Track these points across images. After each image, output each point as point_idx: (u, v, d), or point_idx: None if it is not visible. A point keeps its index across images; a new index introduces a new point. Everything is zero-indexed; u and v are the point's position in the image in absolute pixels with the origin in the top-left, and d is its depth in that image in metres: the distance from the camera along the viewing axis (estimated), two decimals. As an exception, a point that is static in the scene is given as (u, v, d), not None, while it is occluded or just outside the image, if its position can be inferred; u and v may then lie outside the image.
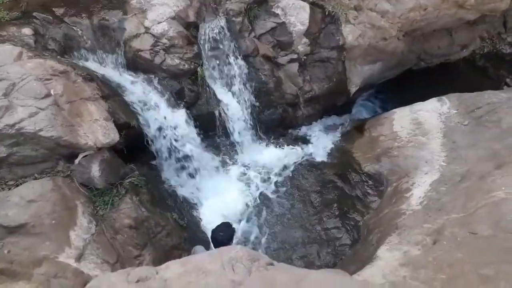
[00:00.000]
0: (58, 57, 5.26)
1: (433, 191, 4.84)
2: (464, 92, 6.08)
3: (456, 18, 7.39)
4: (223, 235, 4.13)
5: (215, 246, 4.13)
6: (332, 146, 6.65)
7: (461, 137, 5.42)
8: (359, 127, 6.73)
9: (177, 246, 4.86)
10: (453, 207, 4.37)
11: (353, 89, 7.12)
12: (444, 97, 6.06)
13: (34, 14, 5.55)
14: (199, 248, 4.47)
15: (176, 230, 4.94)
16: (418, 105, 6.18)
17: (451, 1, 6.95)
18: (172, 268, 2.99)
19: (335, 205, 5.72)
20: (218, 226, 4.27)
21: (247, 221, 5.71)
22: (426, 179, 5.10)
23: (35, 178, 4.38)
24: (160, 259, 4.59)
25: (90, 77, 5.12)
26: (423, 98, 6.24)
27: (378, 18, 6.81)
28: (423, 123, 5.86)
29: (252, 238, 5.49)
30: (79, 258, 4.10)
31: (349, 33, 6.62)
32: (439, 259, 3.72)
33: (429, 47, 8.01)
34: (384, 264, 4.02)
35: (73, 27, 5.61)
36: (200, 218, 5.60)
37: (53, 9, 5.69)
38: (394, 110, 6.47)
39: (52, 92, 4.60)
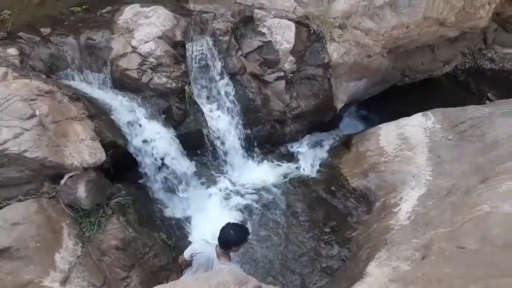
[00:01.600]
0: (44, 77, 5.23)
1: (421, 206, 4.88)
2: (447, 106, 6.20)
3: (438, 35, 7.60)
4: (233, 234, 3.85)
5: (221, 246, 3.89)
6: (320, 161, 6.67)
7: (446, 151, 5.50)
8: (346, 143, 6.79)
9: (165, 266, 4.78)
10: (440, 222, 4.41)
11: (339, 105, 7.22)
12: (428, 112, 6.17)
13: (20, 34, 5.54)
14: (198, 243, 4.20)
15: (164, 251, 4.87)
16: (404, 120, 6.27)
17: (432, 19, 7.16)
18: (159, 293, 2.94)
19: (325, 221, 5.70)
20: (229, 223, 3.99)
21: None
22: (413, 193, 5.14)
23: (20, 200, 4.30)
24: (148, 281, 4.52)
25: (76, 96, 5.10)
26: (408, 113, 6.35)
27: (362, 36, 6.96)
28: (409, 138, 5.94)
29: (239, 259, 5.41)
30: (64, 281, 4.01)
31: (334, 51, 6.74)
32: (428, 275, 3.73)
33: (413, 63, 8.21)
34: (374, 280, 4.01)
35: (59, 47, 5.60)
36: (188, 238, 5.53)
37: (39, 29, 5.70)
38: (380, 125, 6.56)
39: (37, 113, 4.56)
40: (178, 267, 4.50)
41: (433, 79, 8.42)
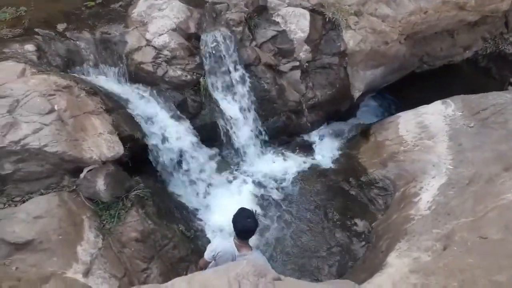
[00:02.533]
0: (61, 72, 5.28)
1: (441, 195, 4.78)
2: (468, 93, 6.05)
3: (457, 20, 7.40)
4: (251, 221, 3.73)
5: (241, 238, 3.76)
6: (338, 152, 6.62)
7: (467, 139, 5.37)
8: (364, 132, 6.70)
9: (184, 258, 4.82)
10: (462, 211, 4.32)
11: (356, 94, 7.12)
12: (448, 100, 6.02)
13: (37, 30, 5.59)
14: (215, 243, 4.07)
15: (183, 242, 4.90)
16: (423, 108, 6.14)
17: (452, 3, 6.97)
18: (178, 285, 2.95)
19: (343, 212, 5.67)
20: (241, 212, 3.86)
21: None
22: (434, 183, 5.05)
23: (41, 194, 4.37)
24: (167, 272, 4.56)
25: (94, 91, 5.13)
26: (428, 101, 6.21)
27: (379, 23, 6.83)
28: (429, 126, 5.82)
29: (260, 250, 5.42)
30: (86, 273, 4.07)
31: (350, 39, 6.63)
32: (450, 265, 3.67)
33: (431, 49, 8.02)
34: (394, 271, 3.96)
35: (76, 42, 5.64)
36: (206, 229, 5.56)
37: (55, 25, 5.74)
38: (399, 114, 6.45)
39: (56, 108, 4.61)
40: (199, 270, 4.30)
41: (453, 65, 8.21)
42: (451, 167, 5.12)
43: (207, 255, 3.91)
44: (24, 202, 4.28)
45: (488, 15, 7.73)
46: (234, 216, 3.85)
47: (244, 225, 3.74)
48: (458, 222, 4.20)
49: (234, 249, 3.84)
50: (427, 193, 4.93)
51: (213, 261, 3.89)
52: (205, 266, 4.00)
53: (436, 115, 5.86)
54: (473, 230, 3.97)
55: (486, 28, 8.35)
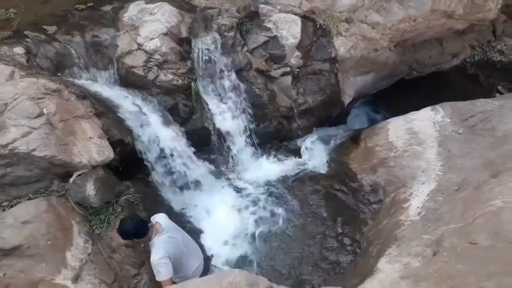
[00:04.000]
0: (51, 75, 5.22)
1: (431, 201, 4.83)
2: (457, 100, 6.13)
3: (446, 28, 7.51)
4: (130, 224, 3.86)
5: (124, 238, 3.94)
6: (328, 157, 6.63)
7: (456, 146, 5.44)
8: (355, 138, 6.74)
9: None
10: (451, 217, 4.37)
11: (346, 100, 7.16)
12: (437, 106, 6.10)
13: (26, 33, 5.51)
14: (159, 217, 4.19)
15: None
16: (413, 115, 6.20)
17: (440, 11, 7.07)
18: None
19: (334, 217, 5.68)
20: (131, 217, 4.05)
21: (244, 238, 5.64)
22: (424, 189, 5.10)
23: (30, 198, 4.32)
24: (157, 278, 4.51)
25: (83, 94, 5.09)
26: (417, 107, 6.28)
27: (369, 30, 6.89)
28: (418, 133, 5.88)
29: (250, 256, 5.42)
30: (76, 279, 4.03)
31: (341, 45, 6.68)
32: (440, 271, 3.70)
33: (420, 56, 8.12)
34: (385, 277, 3.99)
35: (66, 45, 5.59)
36: (198, 235, 5.53)
37: (45, 27, 5.67)
38: (389, 120, 6.50)
39: (45, 111, 4.57)
40: None
41: (441, 73, 8.32)
42: (441, 173, 5.18)
43: (166, 271, 3.80)
44: (12, 207, 4.23)
45: (476, 24, 7.87)
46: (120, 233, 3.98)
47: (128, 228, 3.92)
48: (448, 228, 4.24)
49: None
50: (417, 199, 4.98)
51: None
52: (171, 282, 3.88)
53: (426, 121, 5.92)
54: (463, 236, 4.01)
55: (474, 36, 8.50)
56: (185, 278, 4.04)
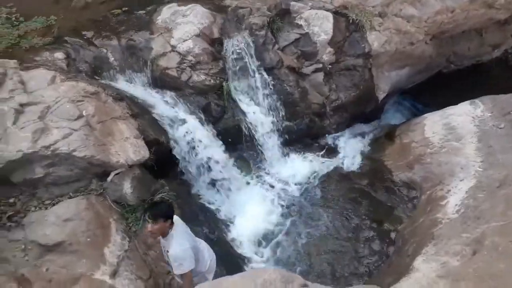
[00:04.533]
0: (89, 78, 5.44)
1: (470, 198, 4.66)
2: (497, 93, 5.87)
3: (486, 19, 7.20)
4: (163, 205, 3.82)
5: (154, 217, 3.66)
6: (362, 154, 6.53)
7: (498, 141, 5.21)
8: (390, 134, 6.60)
9: None
10: (492, 215, 4.20)
11: (381, 95, 7.01)
12: (477, 100, 5.87)
13: (66, 38, 5.79)
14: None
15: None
16: (450, 109, 6.00)
17: (480, 1, 6.81)
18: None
19: (368, 215, 5.59)
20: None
21: (278, 236, 5.64)
22: (462, 186, 4.92)
23: (70, 197, 4.50)
24: (192, 275, 4.60)
25: (120, 96, 5.27)
26: (455, 102, 6.07)
27: (404, 23, 6.72)
28: (456, 128, 5.68)
29: (284, 254, 5.41)
30: (114, 274, 4.16)
31: (375, 40, 6.55)
32: (480, 271, 3.57)
33: (459, 49, 7.82)
34: (421, 276, 3.89)
35: (103, 49, 5.80)
36: (231, 232, 5.59)
37: (83, 32, 5.92)
38: (425, 115, 6.32)
39: (84, 113, 4.76)
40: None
41: (481, 65, 7.97)
42: (481, 170, 4.98)
43: (191, 262, 3.75)
44: (54, 205, 4.42)
45: (519, 13, 7.49)
46: (158, 211, 3.77)
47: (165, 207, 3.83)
48: (489, 226, 4.08)
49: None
50: (455, 196, 4.81)
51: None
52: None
53: (464, 116, 5.71)
54: (505, 235, 3.86)
55: (517, 26, 8.09)
56: (201, 273, 4.01)
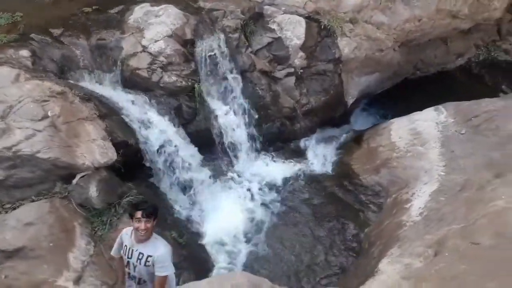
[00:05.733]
0: (56, 78, 5.29)
1: (433, 202, 4.81)
2: (461, 100, 6.10)
3: (451, 28, 7.47)
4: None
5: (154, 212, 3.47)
6: (331, 158, 6.62)
7: (459, 146, 5.41)
8: (358, 138, 6.73)
9: (177, 265, 4.68)
10: (454, 218, 4.34)
11: (350, 100, 7.15)
12: (441, 106, 6.07)
13: (32, 35, 5.60)
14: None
15: (175, 249, 4.83)
16: (416, 115, 6.18)
17: (445, 11, 7.04)
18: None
19: (336, 218, 5.67)
20: None
21: (248, 238, 5.65)
22: (426, 189, 5.07)
23: (33, 200, 4.37)
24: (160, 279, 4.53)
25: (88, 97, 5.15)
26: (421, 108, 6.25)
27: (373, 30, 6.88)
28: (421, 133, 5.86)
29: (252, 257, 5.42)
30: (77, 280, 4.06)
31: (345, 46, 6.67)
32: (442, 272, 3.67)
33: (425, 56, 8.08)
34: (386, 278, 3.97)
35: (71, 48, 5.65)
36: (200, 235, 5.55)
37: (51, 30, 5.75)
38: (392, 120, 6.48)
39: (49, 114, 4.64)
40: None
41: (446, 72, 8.26)
42: (443, 174, 5.15)
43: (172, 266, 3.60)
44: (15, 209, 4.29)
45: (481, 23, 7.81)
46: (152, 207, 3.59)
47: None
48: (450, 228, 4.21)
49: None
50: (419, 199, 4.95)
51: None
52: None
53: (429, 122, 5.89)
54: (465, 237, 3.98)
55: (479, 36, 8.43)
56: None
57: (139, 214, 3.45)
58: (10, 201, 4.33)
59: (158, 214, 3.58)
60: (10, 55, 5.24)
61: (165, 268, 3.56)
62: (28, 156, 4.32)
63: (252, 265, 5.36)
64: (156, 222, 3.58)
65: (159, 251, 3.54)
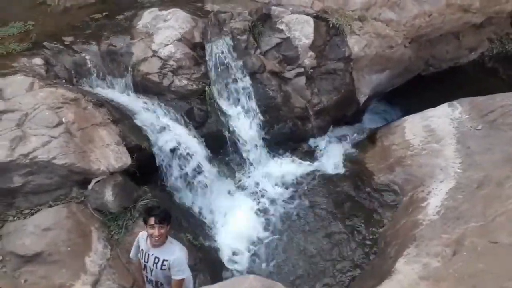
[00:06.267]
0: (69, 85, 5.36)
1: (450, 200, 4.74)
2: (475, 95, 6.02)
3: (462, 22, 7.37)
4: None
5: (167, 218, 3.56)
6: (345, 157, 6.56)
7: (476, 142, 5.33)
8: (371, 137, 6.68)
9: (192, 267, 4.74)
10: (471, 216, 4.28)
11: (362, 98, 7.09)
12: (455, 102, 5.99)
13: (44, 44, 5.69)
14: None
15: (190, 251, 4.85)
16: (430, 112, 6.11)
17: (456, 5, 6.95)
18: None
19: (351, 218, 5.62)
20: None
21: (261, 240, 5.63)
22: (442, 187, 5.00)
23: (50, 206, 4.42)
24: (176, 282, 4.55)
25: (100, 102, 5.20)
26: (434, 104, 6.19)
27: (383, 27, 6.82)
28: (436, 130, 5.79)
29: (266, 261, 5.39)
30: (95, 284, 4.10)
31: (355, 44, 6.63)
32: (460, 271, 3.64)
33: (437, 52, 7.97)
34: (403, 278, 3.94)
35: (82, 55, 5.72)
36: (214, 237, 5.57)
37: (62, 37, 5.83)
38: (405, 117, 6.42)
39: (64, 120, 4.69)
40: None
41: (459, 68, 8.15)
42: (460, 171, 5.08)
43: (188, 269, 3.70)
44: (33, 214, 4.33)
45: (493, 16, 7.69)
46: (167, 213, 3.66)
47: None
48: (468, 226, 4.16)
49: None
50: (436, 198, 4.89)
51: None
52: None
53: (443, 118, 5.82)
54: (483, 235, 3.94)
55: (492, 29, 8.28)
56: None
57: (152, 220, 3.51)
58: (28, 206, 4.38)
59: (171, 219, 3.62)
60: (23, 64, 5.33)
61: (182, 271, 3.62)
62: (45, 162, 4.37)
63: (265, 268, 5.34)
64: (169, 227, 3.62)
65: (174, 255, 3.59)
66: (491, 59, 8.17)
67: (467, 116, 5.69)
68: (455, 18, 7.14)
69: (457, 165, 5.17)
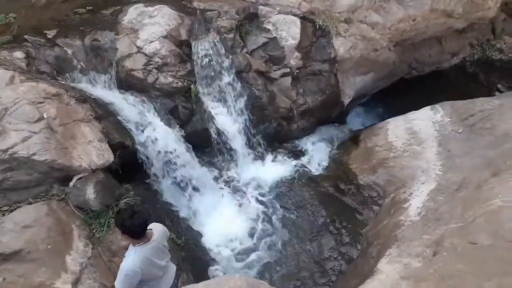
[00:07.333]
0: (51, 79, 5.24)
1: (431, 201, 4.83)
2: (456, 99, 6.14)
3: (445, 27, 7.51)
4: (137, 217, 3.46)
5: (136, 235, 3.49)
6: (328, 158, 6.63)
7: (456, 145, 5.44)
8: (355, 138, 6.74)
9: (176, 266, 4.78)
10: (451, 217, 4.36)
11: (346, 100, 7.16)
12: (437, 106, 6.10)
13: (26, 37, 5.55)
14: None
15: (173, 250, 4.85)
16: (412, 114, 6.21)
17: (440, 11, 7.08)
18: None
19: (333, 218, 5.67)
20: (123, 214, 3.55)
21: (245, 240, 5.63)
22: (423, 189, 5.09)
23: (30, 203, 4.32)
24: (158, 281, 4.51)
25: (83, 98, 5.11)
26: (417, 107, 6.28)
27: (368, 30, 6.90)
28: (418, 132, 5.88)
29: (249, 260, 5.40)
30: (76, 283, 4.02)
31: (340, 46, 6.68)
32: (440, 271, 3.70)
33: (420, 56, 8.12)
34: (385, 277, 3.99)
35: (65, 49, 5.61)
36: (199, 237, 5.54)
37: (45, 31, 5.70)
38: (388, 120, 6.50)
39: (45, 115, 4.58)
40: None
41: (441, 72, 8.33)
42: (441, 173, 5.17)
43: (127, 284, 3.54)
44: (12, 211, 4.23)
45: (475, 22, 7.87)
46: (117, 220, 3.59)
47: (132, 224, 3.47)
48: (448, 227, 4.24)
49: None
50: (417, 199, 4.98)
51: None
52: None
53: (425, 121, 5.92)
54: (463, 236, 4.01)
55: (474, 35, 8.50)
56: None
57: None
58: (7, 203, 4.27)
59: (138, 232, 3.52)
60: (4, 57, 5.19)
61: (118, 280, 3.58)
62: (25, 158, 4.27)
63: (250, 267, 5.35)
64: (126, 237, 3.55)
65: (123, 263, 3.59)
66: (472, 64, 8.39)
67: (449, 119, 5.80)
68: (438, 23, 7.28)
69: (438, 167, 5.26)
